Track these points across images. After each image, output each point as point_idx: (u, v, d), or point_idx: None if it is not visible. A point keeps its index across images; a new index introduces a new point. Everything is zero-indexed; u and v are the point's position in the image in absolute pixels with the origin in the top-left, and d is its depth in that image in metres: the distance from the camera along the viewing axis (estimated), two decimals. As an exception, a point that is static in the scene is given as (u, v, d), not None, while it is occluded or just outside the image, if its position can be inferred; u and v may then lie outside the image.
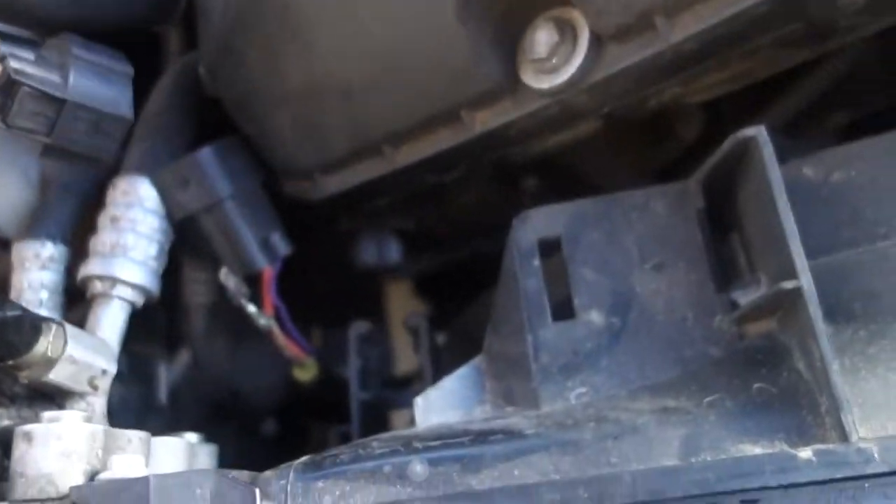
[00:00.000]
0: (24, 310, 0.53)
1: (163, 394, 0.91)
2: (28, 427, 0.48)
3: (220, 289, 0.97)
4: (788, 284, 0.46)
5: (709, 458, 0.46)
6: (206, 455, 0.63)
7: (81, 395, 0.59)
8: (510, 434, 0.49)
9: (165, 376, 0.93)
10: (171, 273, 0.92)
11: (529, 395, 0.53)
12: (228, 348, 1.04)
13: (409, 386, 0.75)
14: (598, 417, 0.49)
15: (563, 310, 0.55)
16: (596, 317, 0.54)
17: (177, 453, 0.58)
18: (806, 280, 0.45)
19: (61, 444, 0.48)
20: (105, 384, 0.60)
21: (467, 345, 0.73)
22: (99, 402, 0.60)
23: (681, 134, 0.67)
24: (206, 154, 0.64)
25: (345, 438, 0.68)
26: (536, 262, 0.56)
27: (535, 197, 0.77)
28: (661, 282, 0.54)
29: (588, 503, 0.44)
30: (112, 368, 0.60)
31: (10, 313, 0.51)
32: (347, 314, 0.77)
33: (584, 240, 0.56)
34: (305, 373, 0.75)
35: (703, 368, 0.51)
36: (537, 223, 0.57)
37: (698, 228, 0.55)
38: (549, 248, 0.57)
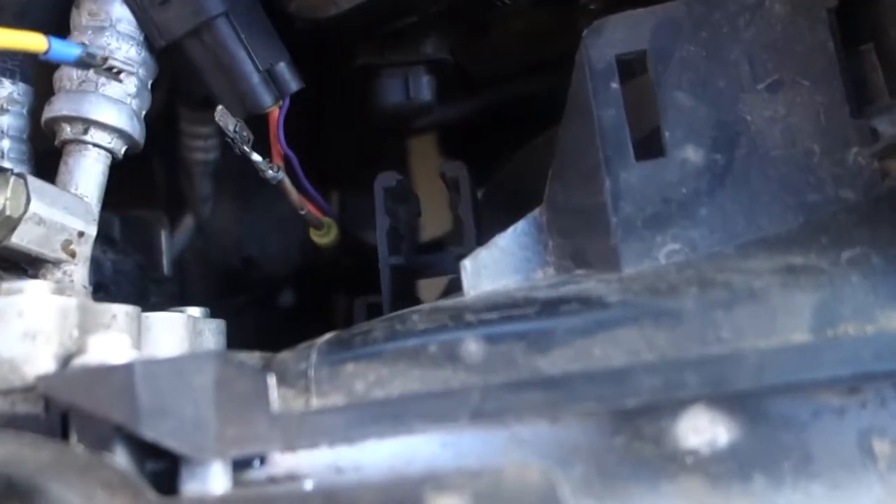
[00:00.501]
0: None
1: (165, 265, 0.81)
2: (-20, 302, 0.38)
3: (226, 143, 0.85)
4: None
5: (852, 332, 0.35)
6: (212, 333, 0.53)
7: (56, 264, 0.49)
8: (587, 303, 0.39)
9: (167, 245, 0.83)
10: (169, 125, 0.81)
11: (607, 254, 0.42)
12: (237, 211, 0.94)
13: (441, 250, 0.64)
14: (702, 281, 0.38)
15: (651, 147, 0.43)
16: (693, 154, 0.42)
17: (176, 332, 0.49)
18: None
19: (24, 322, 0.38)
20: (84, 250, 0.50)
21: (509, 205, 0.61)
22: (78, 273, 0.50)
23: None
24: (186, -41, 0.50)
25: (374, 311, 0.58)
26: (615, 84, 0.43)
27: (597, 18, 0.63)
28: (777, 106, 0.42)
29: (699, 390, 0.34)
30: (91, 231, 0.50)
31: (-51, 163, 0.40)
32: (366, 177, 0.66)
33: (678, 55, 0.43)
34: (324, 236, 0.64)
35: (835, 217, 0.40)
36: (615, 35, 0.44)
37: (829, 34, 0.42)
38: (631, 68, 0.44)
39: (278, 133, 0.57)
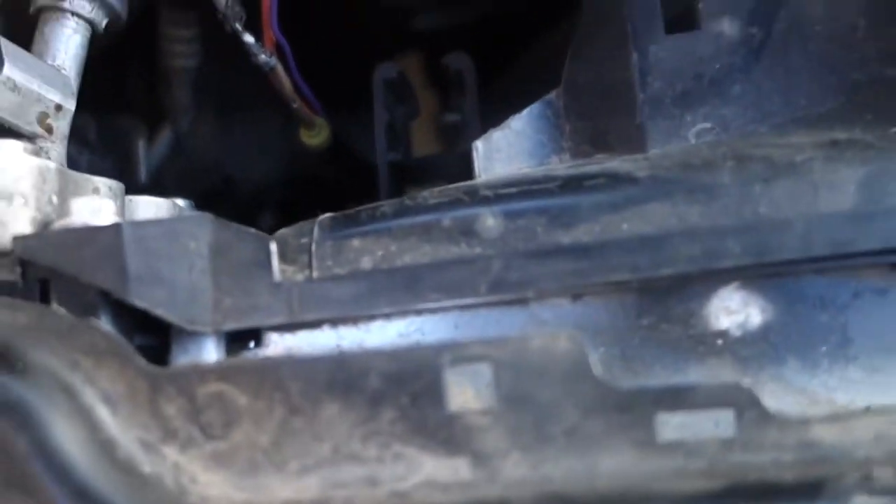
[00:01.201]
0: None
1: (142, 174, 0.77)
2: (-51, 159, 0.35)
3: (207, 50, 0.81)
4: None
5: (900, 206, 0.33)
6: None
7: (31, 138, 0.45)
8: (614, 178, 0.36)
9: (144, 154, 0.79)
10: (147, 30, 0.76)
11: (632, 134, 0.39)
12: (217, 127, 0.89)
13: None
14: (738, 156, 0.36)
15: (681, 19, 0.40)
16: (728, 27, 0.39)
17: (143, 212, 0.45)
18: None
19: (-2, 183, 0.35)
20: (62, 126, 0.46)
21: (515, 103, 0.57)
22: (55, 150, 0.46)
23: None
24: None
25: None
26: (645, -50, 0.40)
27: None
28: (820, -22, 0.39)
29: (742, 258, 0.31)
30: (69, 105, 0.46)
31: None
32: (358, 88, 0.62)
33: (714, -82, 0.40)
34: (315, 136, 0.61)
35: (879, 95, 0.37)
36: None
37: None
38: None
39: (271, 17, 0.53)
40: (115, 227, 0.33)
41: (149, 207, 0.46)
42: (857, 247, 0.31)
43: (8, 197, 0.35)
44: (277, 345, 0.36)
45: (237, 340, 0.35)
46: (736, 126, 0.38)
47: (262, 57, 0.51)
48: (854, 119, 0.36)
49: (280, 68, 0.53)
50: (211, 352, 0.34)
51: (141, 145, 0.79)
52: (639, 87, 0.39)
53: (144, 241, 0.32)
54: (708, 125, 0.38)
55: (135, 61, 0.83)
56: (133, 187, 0.78)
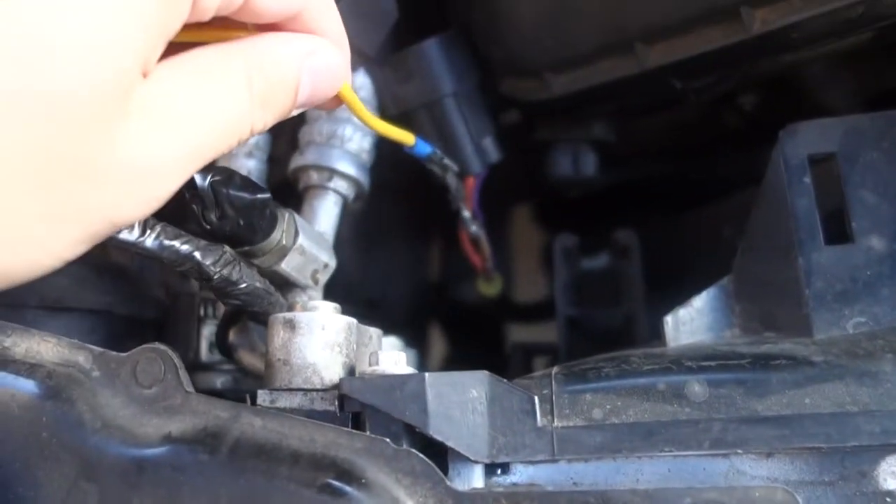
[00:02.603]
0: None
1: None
2: (290, 315, 0.46)
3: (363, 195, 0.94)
4: None
5: None
6: (412, 359, 0.61)
7: (303, 289, 0.57)
8: (794, 360, 0.46)
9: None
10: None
11: (799, 321, 0.49)
12: (363, 256, 1.02)
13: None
14: (893, 348, 0.46)
15: (834, 233, 0.51)
16: (877, 243, 0.50)
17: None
18: None
19: (326, 335, 0.46)
20: (324, 278, 0.58)
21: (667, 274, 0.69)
22: (317, 297, 0.58)
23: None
24: (432, 46, 0.60)
25: (527, 353, 0.66)
26: (807, 178, 0.52)
27: (745, 117, 0.72)
28: (951, 209, 0.50)
29: (908, 437, 0.41)
30: (332, 262, 0.58)
31: (259, 196, 0.48)
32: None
33: (863, 158, 0.52)
34: (492, 287, 0.72)
35: None
36: (809, 137, 0.53)
37: None
38: (816, 165, 0.53)
39: (474, 195, 0.65)
40: (420, 377, 0.43)
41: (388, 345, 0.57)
42: None
43: (331, 346, 0.46)
44: (522, 474, 0.46)
45: (491, 468, 0.45)
46: (886, 321, 0.48)
47: (474, 228, 0.64)
48: None
49: (484, 235, 0.65)
50: (479, 477, 0.44)
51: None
52: (805, 285, 0.49)
53: (440, 388, 0.43)
54: (863, 319, 0.48)
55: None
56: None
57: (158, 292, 0.66)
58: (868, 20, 0.50)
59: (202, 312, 0.64)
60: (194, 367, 0.64)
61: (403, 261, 1.09)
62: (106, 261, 0.62)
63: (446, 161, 0.59)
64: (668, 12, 0.53)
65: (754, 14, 0.51)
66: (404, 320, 1.05)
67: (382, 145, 0.61)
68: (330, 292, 1.01)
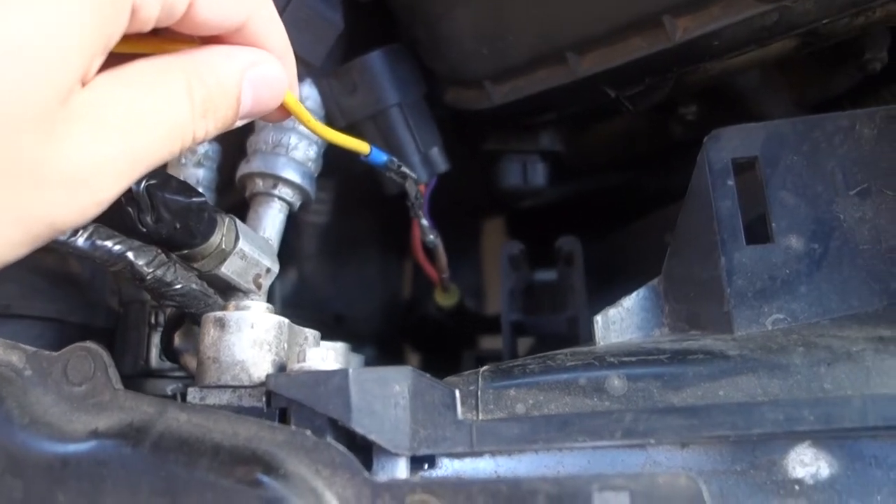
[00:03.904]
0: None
1: (278, 307, 0.91)
2: (220, 313, 0.48)
3: (336, 209, 0.96)
4: None
5: (936, 391, 0.43)
6: (357, 364, 0.62)
7: (245, 293, 0.58)
8: (711, 354, 0.47)
9: (279, 293, 0.93)
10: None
11: (721, 319, 0.51)
12: (333, 271, 1.03)
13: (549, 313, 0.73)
14: (806, 343, 0.47)
15: (757, 233, 0.52)
16: (795, 242, 0.51)
17: (338, 357, 0.58)
18: None
19: (254, 333, 0.47)
20: (267, 283, 0.59)
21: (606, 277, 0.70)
22: (262, 301, 0.59)
23: (867, 61, 0.63)
24: (376, 58, 0.61)
25: (480, 362, 0.67)
26: (731, 181, 0.53)
27: (689, 126, 0.74)
28: (866, 209, 0.51)
29: (814, 424, 0.42)
30: (275, 268, 0.59)
31: (195, 199, 0.50)
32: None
33: (783, 162, 0.53)
34: (448, 298, 0.74)
35: (914, 301, 0.48)
36: (732, 142, 0.54)
37: (908, 156, 0.52)
38: (741, 170, 0.54)
39: (424, 206, 0.67)
40: (344, 372, 0.44)
41: (337, 350, 0.58)
42: (903, 420, 0.42)
43: (260, 344, 0.47)
44: (447, 468, 0.47)
45: (417, 462, 0.46)
46: (803, 318, 0.50)
47: (430, 237, 0.65)
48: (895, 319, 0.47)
49: (441, 245, 0.66)
50: (403, 469, 0.45)
51: (277, 284, 0.93)
52: (726, 284, 0.51)
53: (363, 383, 0.44)
54: (781, 316, 0.50)
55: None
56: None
57: (111, 301, 0.67)
58: (783, 28, 0.52)
59: (153, 320, 0.65)
60: (145, 374, 0.65)
61: (375, 275, 1.10)
62: (57, 269, 0.64)
63: (404, 168, 0.61)
64: (596, 23, 0.55)
65: (676, 23, 0.53)
66: (374, 335, 1.06)
67: (352, 159, 0.62)
68: (297, 306, 1.02)
